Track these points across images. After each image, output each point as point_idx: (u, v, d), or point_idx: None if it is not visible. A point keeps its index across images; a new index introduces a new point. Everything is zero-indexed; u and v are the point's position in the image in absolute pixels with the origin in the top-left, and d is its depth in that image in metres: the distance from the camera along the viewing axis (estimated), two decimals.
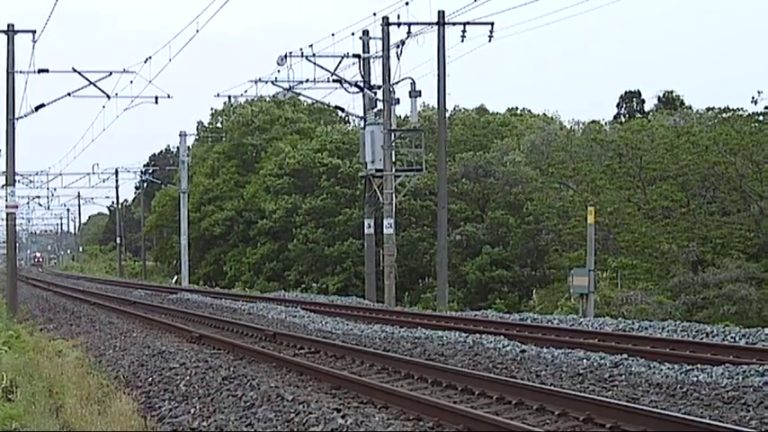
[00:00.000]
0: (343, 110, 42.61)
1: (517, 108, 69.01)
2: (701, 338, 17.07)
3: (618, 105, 68.08)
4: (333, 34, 37.51)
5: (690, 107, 57.82)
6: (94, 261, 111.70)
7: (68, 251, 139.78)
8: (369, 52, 36.54)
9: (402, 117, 38.68)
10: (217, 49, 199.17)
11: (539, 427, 9.81)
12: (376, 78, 35.99)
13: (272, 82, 37.32)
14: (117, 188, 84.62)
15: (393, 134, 34.52)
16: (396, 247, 35.14)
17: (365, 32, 36.52)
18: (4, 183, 35.16)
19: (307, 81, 36.64)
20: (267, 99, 57.75)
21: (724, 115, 43.82)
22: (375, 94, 36.19)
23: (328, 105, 44.05)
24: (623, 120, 60.41)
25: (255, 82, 38.06)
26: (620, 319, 22.41)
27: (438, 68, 33.23)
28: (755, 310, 29.59)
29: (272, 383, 12.67)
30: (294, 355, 16.52)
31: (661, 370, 13.20)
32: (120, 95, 35.15)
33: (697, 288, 31.19)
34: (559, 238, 41.09)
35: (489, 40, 32.84)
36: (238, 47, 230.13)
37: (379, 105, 35.63)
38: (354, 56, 36.32)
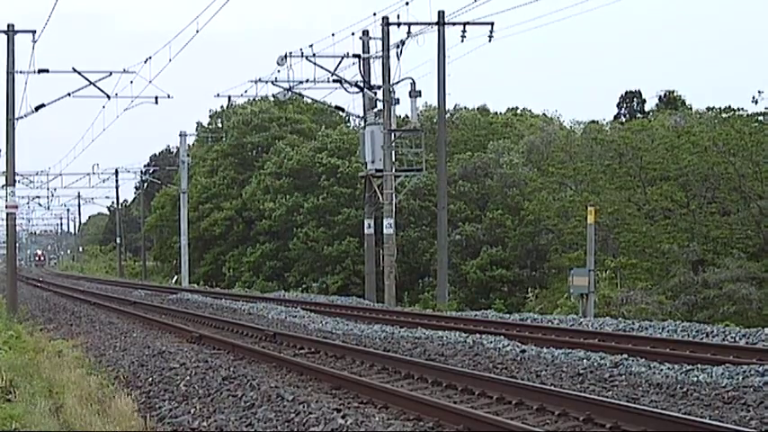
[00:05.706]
0: (343, 110, 42.62)
1: (518, 108, 69.05)
2: (702, 338, 17.06)
3: (618, 105, 68.05)
4: (333, 34, 37.64)
5: (690, 107, 57.86)
6: (94, 261, 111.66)
7: (68, 251, 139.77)
8: (369, 52, 36.52)
9: (402, 117, 38.68)
10: (217, 49, 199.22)
11: (539, 428, 9.81)
12: (376, 78, 36.03)
13: (272, 82, 37.32)
14: (117, 188, 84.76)
15: (393, 134, 34.52)
16: (396, 247, 35.15)
17: (365, 32, 36.52)
18: (4, 183, 35.10)
19: (307, 81, 36.65)
20: (271, 97, 57.68)
21: (724, 115, 43.77)
22: (375, 94, 36.18)
23: (329, 105, 44.02)
24: (624, 120, 60.36)
25: (255, 82, 38.09)
26: (620, 319, 22.37)
27: (438, 68, 33.25)
28: (756, 309, 29.57)
29: (272, 383, 12.67)
30: (294, 355, 16.52)
31: (661, 370, 13.18)
32: (120, 96, 35.13)
33: (697, 288, 31.17)
34: (559, 238, 41.06)
35: (489, 40, 32.92)
36: (238, 47, 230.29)
37: (379, 105, 35.63)
38: (354, 56, 36.33)
